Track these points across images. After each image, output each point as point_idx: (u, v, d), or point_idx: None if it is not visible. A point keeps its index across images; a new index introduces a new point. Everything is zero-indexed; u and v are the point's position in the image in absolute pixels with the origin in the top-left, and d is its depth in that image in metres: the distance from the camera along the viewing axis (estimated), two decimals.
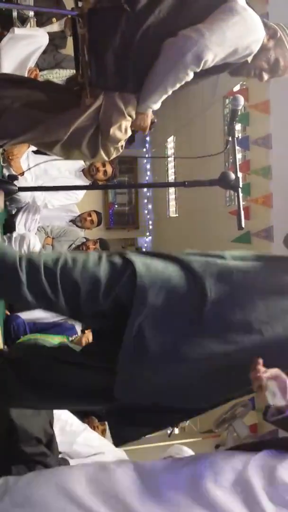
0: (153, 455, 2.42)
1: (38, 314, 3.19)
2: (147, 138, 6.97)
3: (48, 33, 3.15)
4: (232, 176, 1.83)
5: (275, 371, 1.07)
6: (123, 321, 1.16)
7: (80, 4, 1.65)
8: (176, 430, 4.09)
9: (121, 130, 1.62)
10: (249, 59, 1.58)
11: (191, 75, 1.50)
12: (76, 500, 0.98)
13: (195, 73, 1.50)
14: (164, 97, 1.57)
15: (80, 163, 3.42)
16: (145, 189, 7.35)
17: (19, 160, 2.89)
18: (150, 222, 7.37)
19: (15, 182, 1.74)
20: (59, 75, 3.72)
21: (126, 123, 1.62)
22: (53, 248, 3.52)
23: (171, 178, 6.45)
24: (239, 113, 1.88)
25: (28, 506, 0.98)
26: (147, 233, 7.43)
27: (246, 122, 4.17)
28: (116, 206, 7.22)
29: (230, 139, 1.92)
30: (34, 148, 2.87)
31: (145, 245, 7.61)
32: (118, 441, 1.36)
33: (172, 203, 6.50)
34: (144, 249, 7.59)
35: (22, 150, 2.79)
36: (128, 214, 7.30)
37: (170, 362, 1.17)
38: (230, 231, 4.01)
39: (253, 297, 1.20)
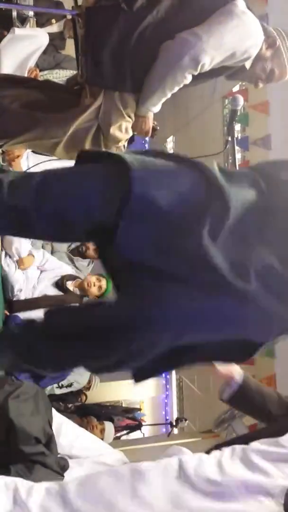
0: (152, 455, 2.42)
1: (39, 316, 3.18)
2: (147, 138, 6.96)
3: (48, 33, 3.15)
4: None
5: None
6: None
7: (80, 4, 1.66)
8: (176, 430, 4.09)
9: (121, 130, 1.63)
10: (247, 64, 1.58)
11: (189, 78, 1.50)
12: None
13: (193, 76, 1.50)
14: (163, 100, 1.57)
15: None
16: None
17: (19, 160, 2.89)
18: None
19: None
20: (59, 76, 3.72)
21: (126, 123, 1.62)
22: (52, 248, 3.52)
23: None
24: (238, 113, 1.89)
25: None
26: None
27: (246, 122, 4.18)
28: None
29: (229, 139, 1.93)
30: None
31: None
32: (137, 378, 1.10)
33: None
34: None
35: (23, 150, 2.79)
36: None
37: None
38: None
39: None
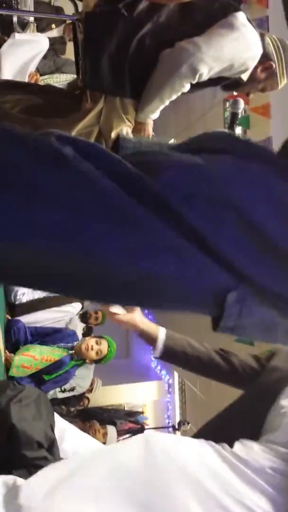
0: None
1: (39, 318, 3.19)
2: None
3: (48, 38, 3.17)
4: None
5: None
6: None
7: (80, 9, 1.67)
8: (178, 434, 4.08)
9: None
10: (244, 76, 1.60)
11: (187, 87, 1.51)
12: None
13: (191, 84, 1.51)
14: (162, 107, 1.59)
15: None
16: None
17: None
18: None
19: None
20: (59, 80, 3.74)
21: (127, 128, 1.63)
22: None
23: None
24: (239, 116, 1.89)
25: None
26: None
27: (247, 125, 4.18)
28: None
29: None
30: None
31: None
32: None
33: None
34: None
35: None
36: None
37: None
38: None
39: None
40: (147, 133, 1.67)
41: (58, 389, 3.15)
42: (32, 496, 0.88)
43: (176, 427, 4.21)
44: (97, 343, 3.08)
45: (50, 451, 1.68)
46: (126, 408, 5.55)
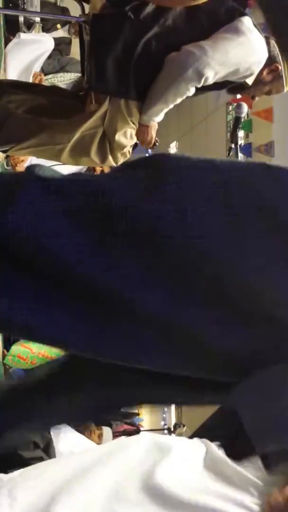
0: None
1: None
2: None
3: (53, 38, 3.17)
4: None
5: None
6: None
7: (87, 11, 1.67)
8: (174, 436, 4.08)
9: (126, 137, 1.63)
10: (249, 80, 1.61)
11: (192, 90, 1.51)
12: None
13: (195, 88, 1.51)
14: (165, 110, 1.58)
15: (81, 166, 3.43)
16: None
17: (23, 164, 2.90)
18: None
19: None
20: (64, 79, 3.75)
21: (131, 129, 1.63)
22: None
23: None
24: (242, 120, 1.90)
25: None
26: None
27: (249, 129, 4.19)
28: None
29: (233, 146, 1.94)
30: None
31: None
32: None
33: None
34: None
35: (27, 155, 2.80)
36: None
37: None
38: None
39: None
40: (150, 137, 1.67)
41: None
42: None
43: (172, 429, 4.20)
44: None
45: (46, 451, 1.69)
46: (122, 410, 5.55)
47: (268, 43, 1.60)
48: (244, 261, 0.75)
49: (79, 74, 3.25)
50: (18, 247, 0.73)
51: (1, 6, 2.81)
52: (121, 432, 4.38)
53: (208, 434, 0.96)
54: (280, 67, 1.64)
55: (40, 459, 1.64)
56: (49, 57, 3.25)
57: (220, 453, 0.84)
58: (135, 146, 1.78)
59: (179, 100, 1.54)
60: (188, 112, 5.42)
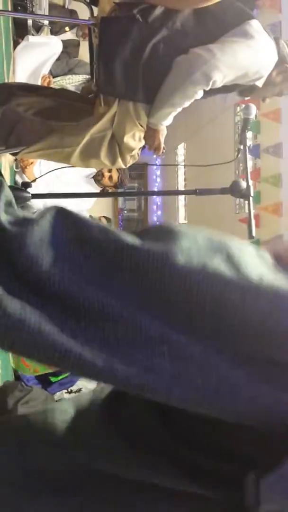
0: None
1: None
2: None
3: (61, 41, 3.19)
4: (244, 185, 1.83)
5: None
6: None
7: (95, 14, 1.67)
8: None
9: (135, 139, 1.63)
10: (259, 83, 1.60)
11: (200, 94, 1.50)
12: None
13: (203, 91, 1.51)
14: (173, 114, 1.56)
15: (90, 169, 3.45)
16: (154, 196, 7.37)
17: (32, 167, 2.91)
18: None
19: (28, 190, 1.75)
20: (72, 81, 3.77)
21: (140, 132, 1.63)
22: None
23: (181, 184, 6.46)
24: (251, 121, 1.89)
25: None
26: None
27: (257, 130, 4.17)
28: (125, 212, 7.24)
29: (241, 148, 1.93)
30: None
31: None
32: None
33: (182, 210, 6.51)
34: None
35: (37, 158, 2.82)
36: (138, 220, 7.32)
37: None
38: (240, 239, 4.00)
39: None
40: (157, 142, 1.66)
41: (64, 391, 3.16)
42: None
43: None
44: None
45: None
46: None
47: (277, 44, 1.60)
48: None
49: (88, 76, 3.26)
50: None
51: (10, 10, 2.83)
52: None
53: None
54: None
55: None
56: (58, 59, 3.27)
57: None
58: (142, 147, 1.78)
59: (187, 104, 1.53)
60: (196, 113, 5.42)
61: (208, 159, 4.92)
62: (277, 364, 0.58)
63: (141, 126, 1.61)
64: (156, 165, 6.95)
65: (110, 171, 3.36)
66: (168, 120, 1.60)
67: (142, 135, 1.65)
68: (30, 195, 1.70)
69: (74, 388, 3.20)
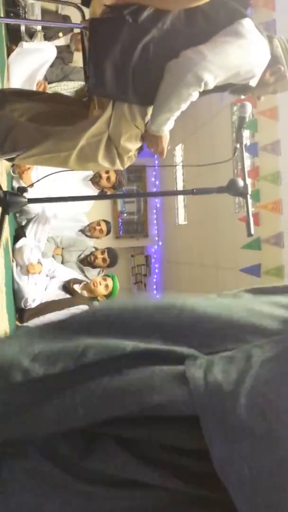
0: None
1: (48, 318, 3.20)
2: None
3: (56, 47, 3.19)
4: (241, 183, 1.83)
5: None
6: None
7: (87, 17, 1.67)
8: None
9: (131, 141, 1.63)
10: (252, 82, 1.59)
11: (195, 95, 1.49)
12: None
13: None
14: (173, 118, 1.56)
15: (87, 172, 3.45)
16: (154, 198, 7.37)
17: (30, 172, 2.92)
18: (160, 230, 7.38)
19: (25, 194, 1.75)
20: (67, 87, 3.77)
21: (136, 133, 1.63)
22: (63, 259, 3.54)
23: (180, 185, 6.46)
24: (246, 120, 1.89)
25: None
26: (157, 241, 7.43)
27: (255, 128, 4.17)
28: (125, 215, 7.25)
29: (238, 146, 1.92)
30: None
31: (155, 253, 7.62)
32: None
33: (181, 211, 6.51)
34: (153, 258, 7.59)
35: (33, 164, 2.82)
36: (137, 223, 7.32)
37: None
38: (240, 238, 3.99)
39: None
40: (160, 148, 1.66)
41: None
42: None
43: None
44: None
45: None
46: None
47: (270, 43, 1.59)
48: None
49: (83, 83, 3.27)
50: None
51: (2, 16, 2.84)
52: None
53: None
54: (282, 68, 1.63)
55: None
56: (52, 65, 3.28)
57: None
58: (140, 149, 1.78)
59: (184, 107, 1.52)
60: (192, 114, 5.42)
61: (206, 159, 4.93)
62: None
63: (137, 127, 1.61)
64: (154, 166, 6.95)
65: (107, 172, 3.38)
66: (169, 125, 1.60)
67: (139, 135, 1.65)
68: (26, 200, 1.70)
69: None
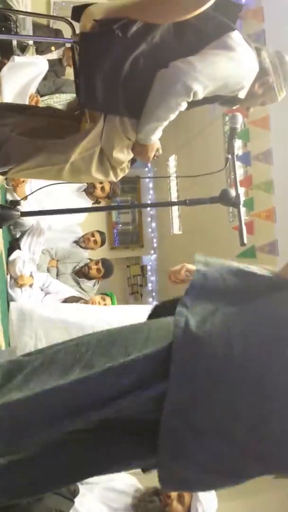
0: None
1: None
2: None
3: (48, 60, 3.21)
4: (233, 193, 1.84)
5: None
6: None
7: (78, 31, 1.69)
8: None
9: (123, 152, 1.64)
10: (241, 94, 1.61)
11: (183, 105, 1.50)
12: None
13: (187, 102, 1.51)
14: (161, 127, 1.56)
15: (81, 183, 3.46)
16: (148, 208, 7.39)
17: (24, 185, 2.92)
18: (155, 240, 7.38)
19: (18, 207, 1.75)
20: (59, 99, 3.79)
21: (128, 145, 1.63)
22: (58, 271, 3.52)
23: (174, 195, 6.48)
24: (238, 130, 1.90)
25: None
26: (152, 251, 7.44)
27: (247, 138, 4.20)
28: (120, 225, 7.25)
29: (229, 157, 1.94)
30: None
31: (150, 263, 7.62)
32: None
33: (176, 221, 6.52)
34: (149, 267, 7.59)
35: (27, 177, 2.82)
36: (132, 233, 7.32)
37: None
38: (235, 247, 3.97)
39: None
40: (147, 156, 1.66)
41: None
42: None
43: None
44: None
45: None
46: None
47: (259, 55, 1.61)
48: None
49: (75, 95, 3.29)
50: None
51: None
52: None
53: None
54: (270, 80, 1.65)
55: None
56: (45, 78, 3.29)
57: None
58: (133, 160, 1.78)
59: (172, 116, 1.52)
60: (185, 125, 5.46)
61: (199, 169, 4.94)
62: None
63: (129, 139, 1.62)
64: (148, 177, 6.98)
65: (101, 182, 3.38)
66: (156, 135, 1.60)
67: (130, 147, 1.66)
68: (19, 213, 1.69)
69: None
